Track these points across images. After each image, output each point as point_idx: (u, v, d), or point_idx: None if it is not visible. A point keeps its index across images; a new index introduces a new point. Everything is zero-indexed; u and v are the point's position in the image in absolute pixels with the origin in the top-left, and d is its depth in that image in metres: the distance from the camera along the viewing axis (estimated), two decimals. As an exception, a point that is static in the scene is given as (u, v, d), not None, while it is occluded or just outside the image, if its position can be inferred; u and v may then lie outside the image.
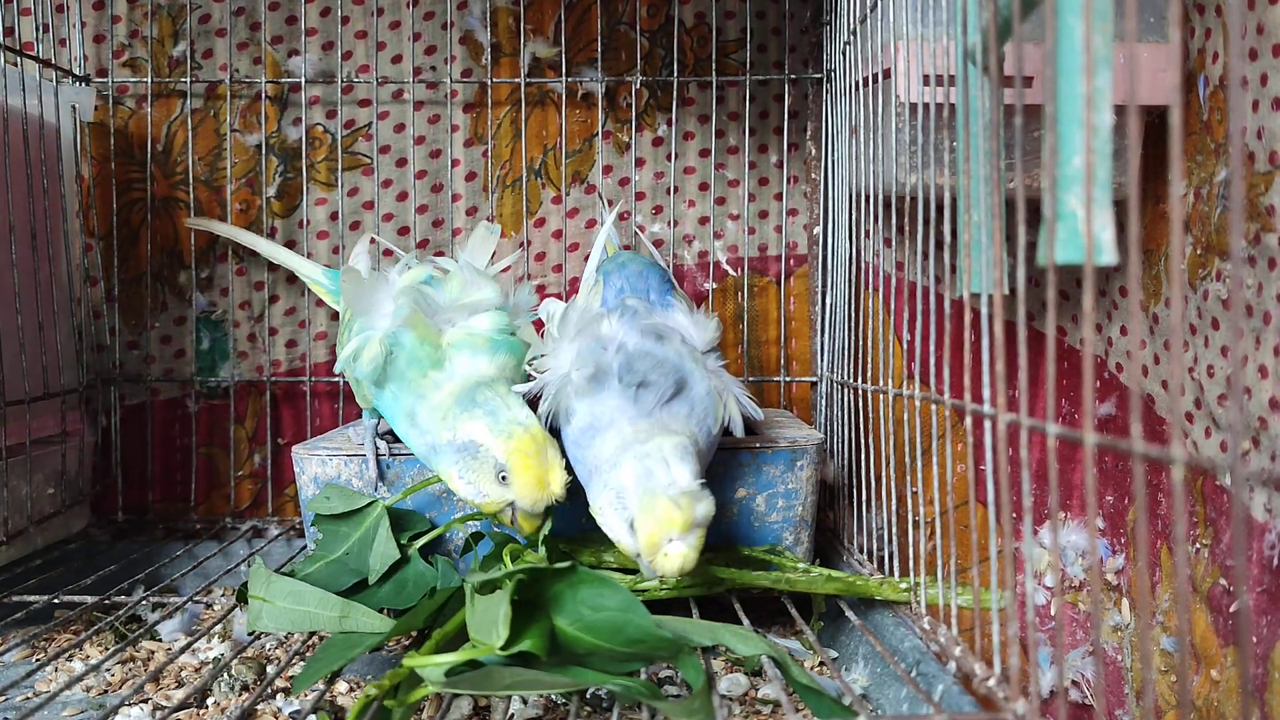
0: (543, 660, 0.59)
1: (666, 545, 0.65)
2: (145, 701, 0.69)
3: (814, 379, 1.10)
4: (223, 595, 0.93)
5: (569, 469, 0.73)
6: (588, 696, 0.68)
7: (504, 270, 0.89)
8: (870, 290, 0.94)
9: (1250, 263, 0.64)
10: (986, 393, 0.54)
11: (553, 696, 0.67)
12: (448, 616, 0.67)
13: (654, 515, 0.65)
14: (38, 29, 1.01)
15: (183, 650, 0.67)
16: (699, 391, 0.73)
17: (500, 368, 0.76)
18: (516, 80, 1.10)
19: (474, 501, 0.72)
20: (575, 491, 0.73)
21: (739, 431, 0.76)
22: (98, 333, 1.08)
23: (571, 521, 0.82)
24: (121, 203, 1.09)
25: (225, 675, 0.72)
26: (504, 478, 0.71)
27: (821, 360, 1.07)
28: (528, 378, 0.77)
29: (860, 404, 0.89)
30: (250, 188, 1.10)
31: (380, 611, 0.73)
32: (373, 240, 1.02)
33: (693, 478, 0.66)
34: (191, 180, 1.09)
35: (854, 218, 0.96)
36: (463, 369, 0.75)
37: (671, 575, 0.66)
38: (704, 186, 1.13)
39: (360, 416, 0.96)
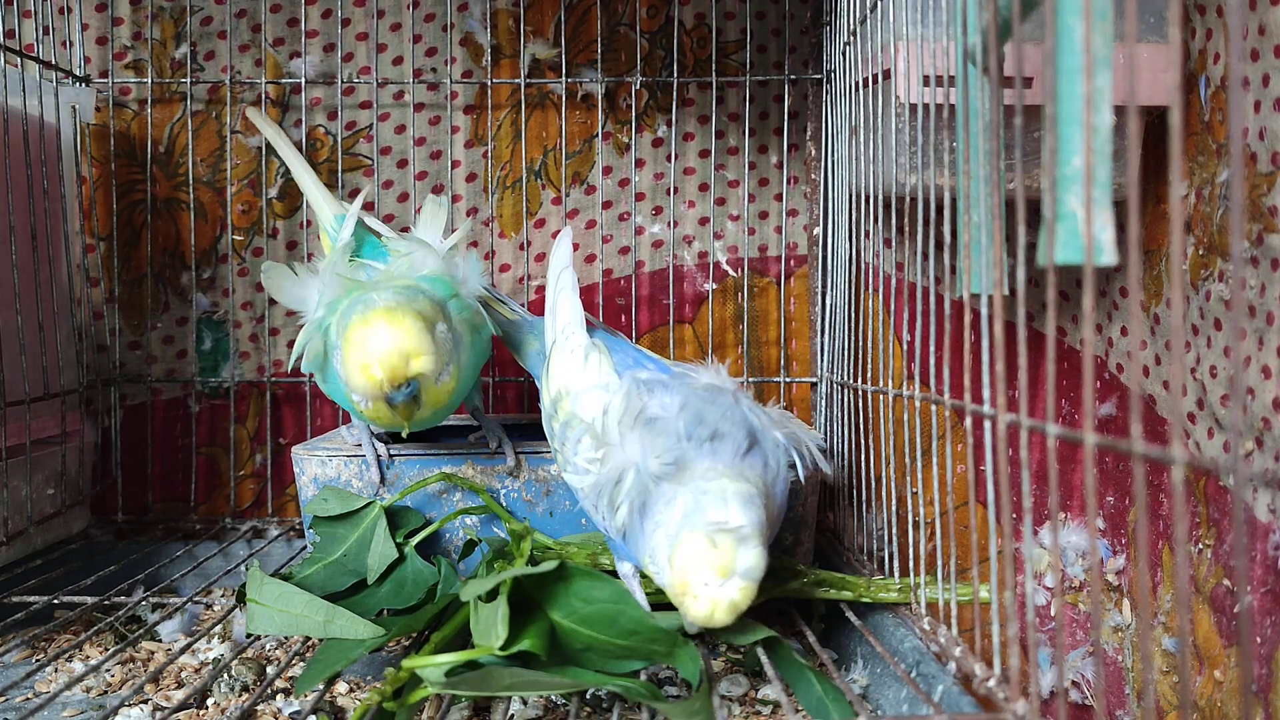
0: (542, 660, 0.59)
1: (698, 589, 0.55)
2: (145, 702, 0.69)
3: (814, 379, 1.10)
4: (223, 596, 0.93)
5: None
6: (588, 697, 0.68)
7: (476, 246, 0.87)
8: (870, 291, 0.94)
9: (1253, 263, 0.64)
10: (986, 393, 0.54)
11: (553, 697, 0.67)
12: (446, 618, 0.67)
13: (685, 551, 0.56)
14: (39, 31, 1.01)
15: (183, 651, 0.67)
16: (770, 442, 0.66)
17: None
18: (516, 81, 1.10)
19: (360, 408, 0.69)
20: (566, 491, 0.71)
21: (826, 469, 0.70)
22: (98, 333, 1.08)
23: (570, 522, 0.81)
24: (123, 204, 1.09)
25: (225, 676, 0.72)
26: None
27: (821, 361, 1.07)
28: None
29: (860, 405, 0.89)
30: (252, 189, 1.10)
31: (380, 611, 0.73)
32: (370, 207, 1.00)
33: (750, 525, 0.57)
34: (193, 181, 1.09)
35: (854, 218, 0.96)
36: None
37: (698, 623, 0.56)
38: (704, 187, 1.13)
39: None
